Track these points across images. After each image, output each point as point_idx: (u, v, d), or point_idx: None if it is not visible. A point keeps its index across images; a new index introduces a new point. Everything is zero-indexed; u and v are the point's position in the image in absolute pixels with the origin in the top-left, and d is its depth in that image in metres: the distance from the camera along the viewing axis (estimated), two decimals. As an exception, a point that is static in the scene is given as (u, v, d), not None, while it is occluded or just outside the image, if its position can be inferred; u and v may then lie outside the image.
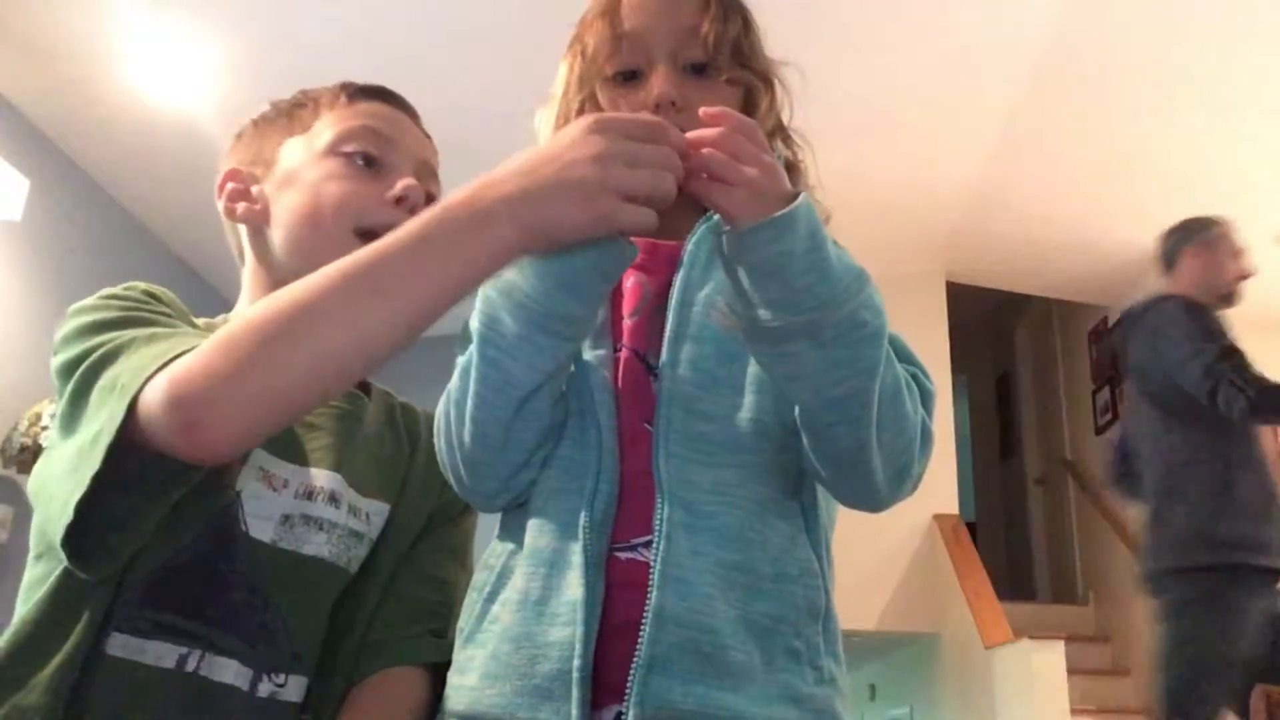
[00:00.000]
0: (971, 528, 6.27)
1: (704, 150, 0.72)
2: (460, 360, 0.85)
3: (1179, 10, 3.72)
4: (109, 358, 0.77)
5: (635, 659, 0.76)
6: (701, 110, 0.75)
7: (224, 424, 0.69)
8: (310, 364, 0.68)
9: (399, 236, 0.69)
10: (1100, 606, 6.32)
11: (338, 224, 0.94)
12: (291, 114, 1.02)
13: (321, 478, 0.93)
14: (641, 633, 0.76)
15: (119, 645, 0.80)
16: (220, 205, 1.01)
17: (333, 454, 0.94)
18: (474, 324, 0.81)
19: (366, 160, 0.97)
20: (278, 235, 0.97)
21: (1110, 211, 5.19)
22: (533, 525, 0.84)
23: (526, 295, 0.76)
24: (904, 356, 0.85)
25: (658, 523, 0.79)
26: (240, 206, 0.99)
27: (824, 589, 0.83)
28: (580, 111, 0.94)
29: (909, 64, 4.02)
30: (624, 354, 0.87)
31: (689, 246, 0.88)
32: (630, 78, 0.92)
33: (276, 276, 0.95)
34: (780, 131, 0.97)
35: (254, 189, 0.99)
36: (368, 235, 0.82)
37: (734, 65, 0.92)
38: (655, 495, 0.80)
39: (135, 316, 0.83)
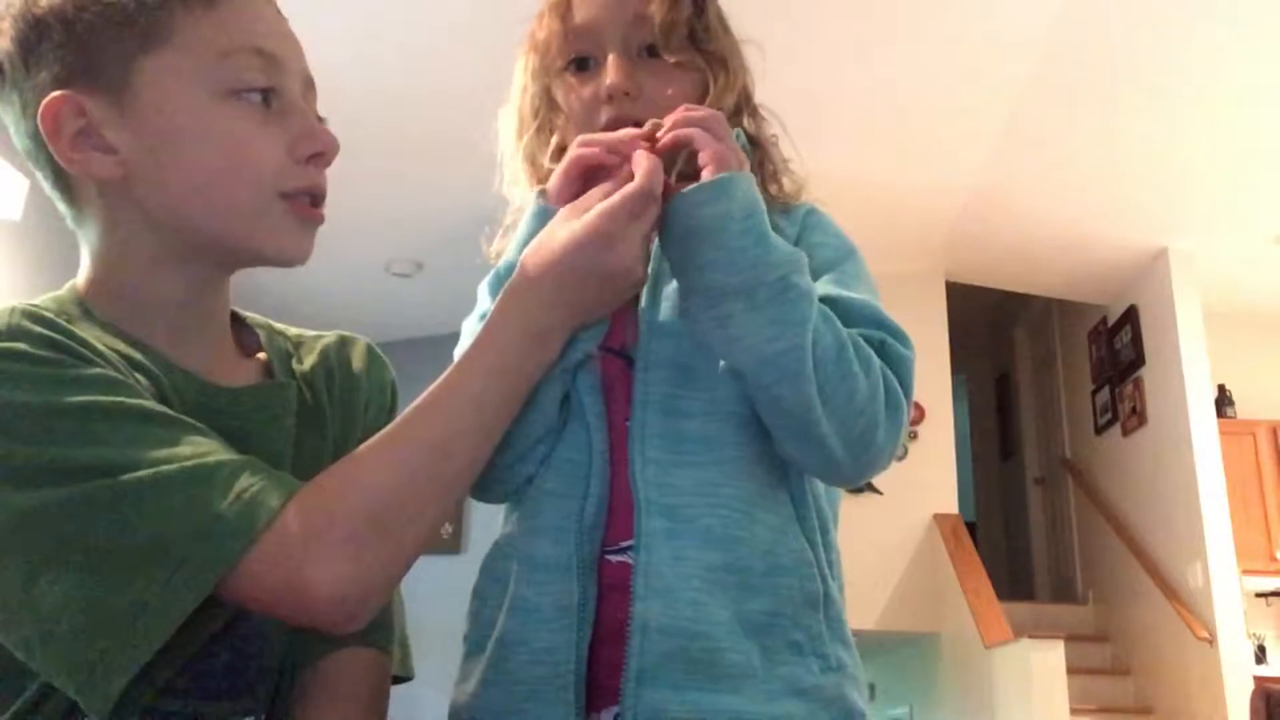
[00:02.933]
0: (971, 528, 6.28)
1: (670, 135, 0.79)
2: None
3: (1178, 12, 3.72)
4: (110, 504, 0.66)
5: (625, 670, 0.76)
6: (650, 122, 0.81)
7: (372, 607, 0.72)
8: (423, 534, 0.73)
9: (465, 403, 0.75)
10: (1099, 606, 6.32)
11: (260, 191, 0.78)
12: (132, 18, 0.75)
13: None
14: (629, 645, 0.76)
15: None
16: (52, 150, 0.75)
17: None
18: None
19: (264, 97, 0.79)
20: (160, 198, 0.77)
21: (1110, 211, 5.20)
22: (529, 529, 0.84)
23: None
24: (875, 321, 0.84)
25: (636, 533, 0.79)
26: (94, 159, 0.75)
27: (821, 576, 0.82)
28: (536, 107, 0.94)
29: (909, 64, 4.02)
30: (602, 352, 0.86)
31: (655, 240, 0.86)
32: (583, 66, 0.92)
33: (153, 250, 0.79)
34: (747, 107, 0.96)
35: (108, 130, 0.75)
36: (286, 195, 0.79)
37: (686, 49, 0.91)
38: (634, 503, 0.80)
39: (84, 407, 0.68)
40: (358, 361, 0.95)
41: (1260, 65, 4.01)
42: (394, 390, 0.97)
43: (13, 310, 0.73)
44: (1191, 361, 5.39)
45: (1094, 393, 6.52)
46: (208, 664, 0.76)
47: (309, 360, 0.92)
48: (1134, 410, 5.91)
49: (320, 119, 0.83)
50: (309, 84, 0.84)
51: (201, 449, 0.70)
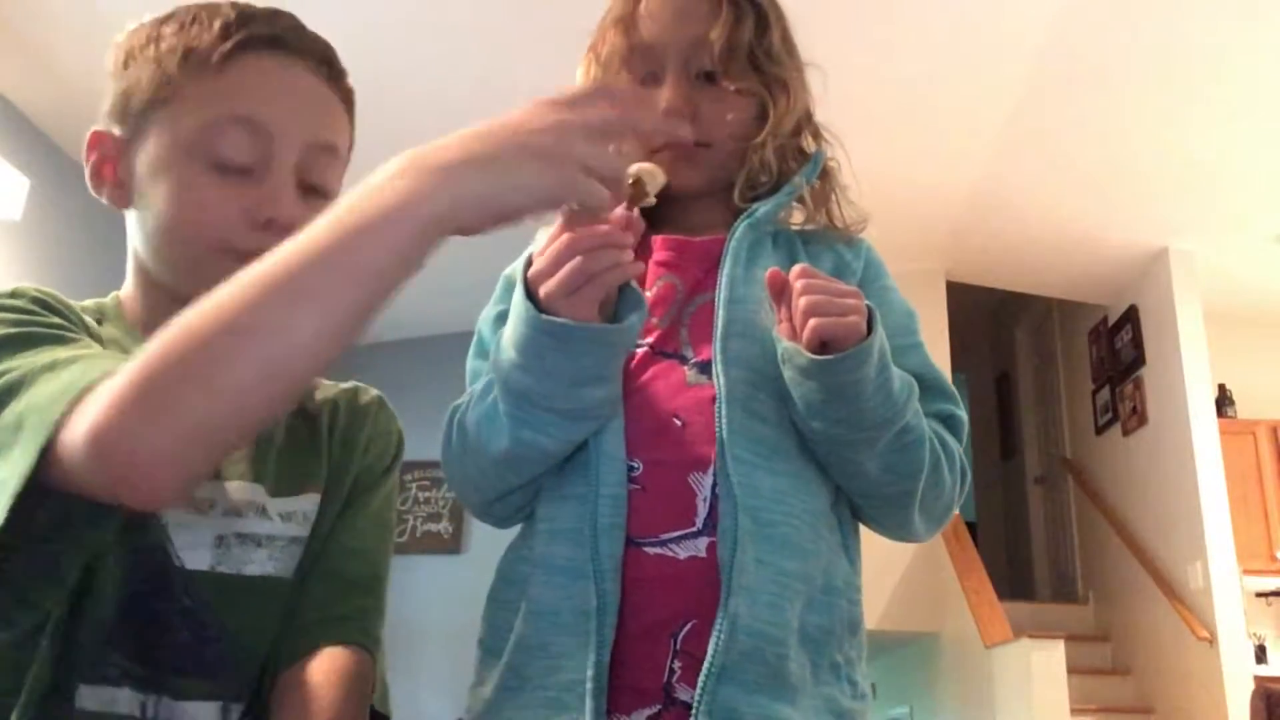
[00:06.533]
0: (971, 527, 6.28)
1: (806, 297, 0.76)
2: (476, 389, 0.85)
3: (1179, 11, 3.72)
4: (5, 393, 0.69)
5: (706, 666, 0.74)
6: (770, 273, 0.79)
7: (161, 470, 0.60)
8: (240, 388, 0.59)
9: (316, 234, 0.60)
10: (1100, 606, 6.32)
11: (198, 243, 0.82)
12: (156, 73, 0.85)
13: (242, 490, 0.86)
14: (715, 639, 0.75)
15: (89, 697, 0.75)
16: (86, 173, 0.88)
17: (245, 462, 0.88)
18: (502, 405, 0.80)
19: (236, 167, 0.83)
20: (140, 231, 0.87)
21: (1110, 211, 5.19)
22: (545, 532, 0.82)
23: (550, 399, 0.78)
24: (943, 392, 0.89)
25: (725, 529, 0.77)
26: (107, 186, 0.88)
27: (859, 603, 0.85)
28: None
29: (909, 62, 4.02)
30: (642, 350, 0.85)
31: (731, 243, 0.87)
32: (643, 83, 0.92)
33: (146, 268, 0.88)
34: (808, 127, 0.97)
35: (121, 164, 0.87)
36: (236, 254, 0.74)
37: (746, 72, 0.91)
38: (721, 498, 0.79)
39: (26, 334, 0.74)
40: (365, 402, 1.00)
41: (1262, 64, 4.01)
42: (400, 440, 1.01)
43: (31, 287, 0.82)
44: (1192, 361, 5.39)
45: (1094, 392, 6.52)
46: (170, 638, 0.80)
47: (318, 395, 0.98)
48: (1134, 410, 5.91)
49: (315, 188, 0.86)
50: (319, 150, 0.86)
51: (84, 350, 0.73)
